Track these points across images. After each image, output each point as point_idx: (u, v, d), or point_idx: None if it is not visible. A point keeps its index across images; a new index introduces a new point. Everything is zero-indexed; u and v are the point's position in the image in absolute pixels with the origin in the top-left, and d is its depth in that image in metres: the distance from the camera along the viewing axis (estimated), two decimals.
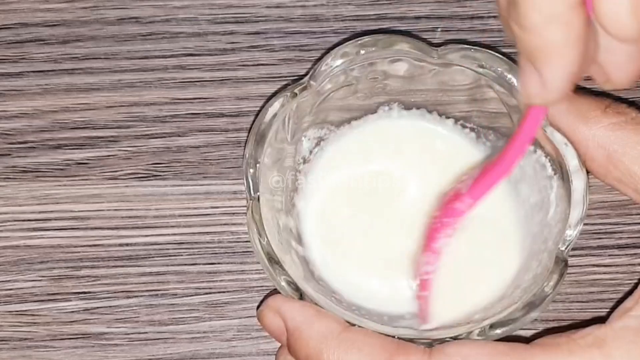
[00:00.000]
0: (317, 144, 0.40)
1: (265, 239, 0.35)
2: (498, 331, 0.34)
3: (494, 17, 0.45)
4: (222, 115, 0.44)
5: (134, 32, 0.44)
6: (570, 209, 0.35)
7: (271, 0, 0.45)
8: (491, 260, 0.39)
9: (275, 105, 0.37)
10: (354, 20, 0.45)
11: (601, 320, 0.35)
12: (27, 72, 0.44)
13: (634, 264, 0.42)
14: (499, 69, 0.37)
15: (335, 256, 0.40)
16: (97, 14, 0.44)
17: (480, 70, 0.37)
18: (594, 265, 0.42)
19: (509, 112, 0.38)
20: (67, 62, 0.44)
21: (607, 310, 0.41)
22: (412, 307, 0.39)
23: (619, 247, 0.42)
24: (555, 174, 0.37)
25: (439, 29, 0.44)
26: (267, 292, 0.42)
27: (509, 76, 0.37)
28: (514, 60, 0.37)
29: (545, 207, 0.37)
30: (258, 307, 0.38)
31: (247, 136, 0.37)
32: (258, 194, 0.36)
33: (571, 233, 0.35)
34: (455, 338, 0.34)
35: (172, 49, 0.44)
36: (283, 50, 0.44)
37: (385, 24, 0.44)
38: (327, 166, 0.41)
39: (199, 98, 0.44)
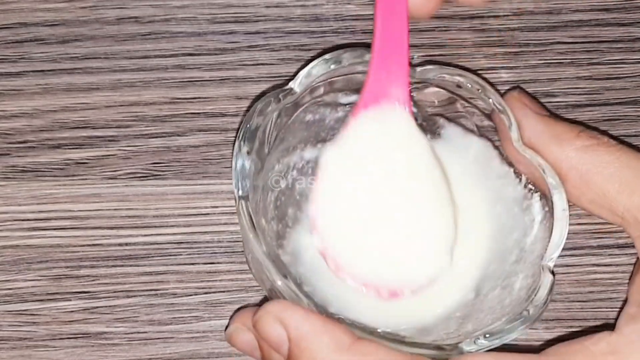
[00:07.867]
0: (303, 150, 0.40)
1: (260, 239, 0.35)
2: (490, 342, 0.34)
3: (494, 17, 0.45)
4: (222, 114, 0.44)
5: (134, 31, 0.44)
6: (553, 225, 0.36)
7: (271, 0, 0.45)
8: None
9: (261, 110, 0.36)
10: (354, 20, 0.44)
11: (598, 321, 0.35)
12: (27, 71, 0.44)
13: (633, 264, 0.42)
14: (475, 87, 0.38)
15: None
16: (96, 14, 0.44)
17: (457, 90, 0.38)
18: (594, 265, 0.42)
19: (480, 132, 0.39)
20: (67, 62, 0.44)
21: (607, 309, 0.41)
22: (405, 322, 0.38)
23: (619, 246, 0.42)
24: (534, 192, 0.37)
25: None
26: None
27: (484, 96, 0.38)
28: (487, 81, 0.39)
29: (527, 225, 0.37)
30: (231, 317, 0.38)
31: (234, 142, 0.36)
32: (248, 195, 0.35)
33: (555, 250, 0.36)
34: (453, 347, 0.34)
35: (171, 49, 0.44)
36: (283, 49, 0.44)
37: None
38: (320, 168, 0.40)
39: (199, 98, 0.44)
